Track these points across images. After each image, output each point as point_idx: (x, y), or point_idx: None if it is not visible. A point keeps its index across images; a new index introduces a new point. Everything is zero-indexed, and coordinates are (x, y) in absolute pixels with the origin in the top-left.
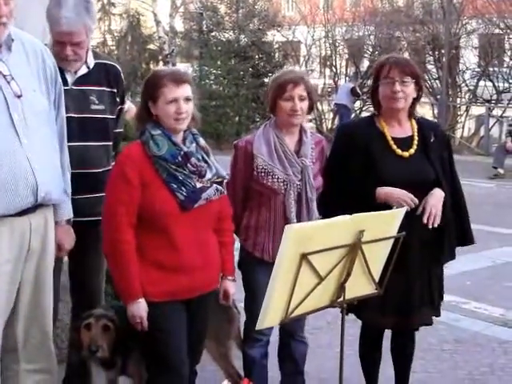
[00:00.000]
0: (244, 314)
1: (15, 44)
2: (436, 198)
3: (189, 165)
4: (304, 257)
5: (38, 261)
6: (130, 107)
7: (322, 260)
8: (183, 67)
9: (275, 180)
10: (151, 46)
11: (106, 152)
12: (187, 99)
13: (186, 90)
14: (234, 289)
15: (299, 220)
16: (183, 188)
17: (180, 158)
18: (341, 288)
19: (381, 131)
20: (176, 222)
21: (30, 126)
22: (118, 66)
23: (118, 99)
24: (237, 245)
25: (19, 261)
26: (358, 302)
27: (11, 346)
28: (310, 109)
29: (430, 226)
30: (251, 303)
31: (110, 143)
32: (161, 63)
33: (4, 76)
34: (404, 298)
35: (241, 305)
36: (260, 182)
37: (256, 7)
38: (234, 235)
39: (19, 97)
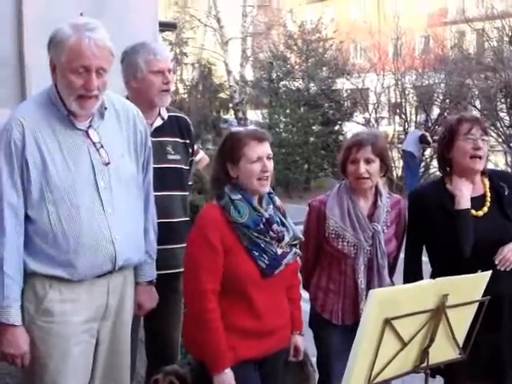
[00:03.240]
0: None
1: (108, 110)
2: None
3: (270, 232)
4: (388, 322)
5: (114, 319)
6: (203, 157)
7: (406, 325)
8: (253, 116)
9: (345, 243)
10: (222, 95)
11: (182, 202)
12: (269, 158)
13: (268, 148)
14: (304, 343)
15: (369, 286)
16: (265, 255)
17: (262, 226)
18: (424, 353)
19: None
20: (256, 287)
21: (115, 194)
22: (187, 119)
23: (190, 150)
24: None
25: (96, 320)
26: (445, 366)
27: None
28: (384, 170)
29: (502, 269)
30: (322, 364)
31: (187, 193)
32: (231, 111)
33: (94, 143)
34: (495, 361)
35: (313, 359)
36: (331, 243)
37: (325, 56)
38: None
39: (107, 164)
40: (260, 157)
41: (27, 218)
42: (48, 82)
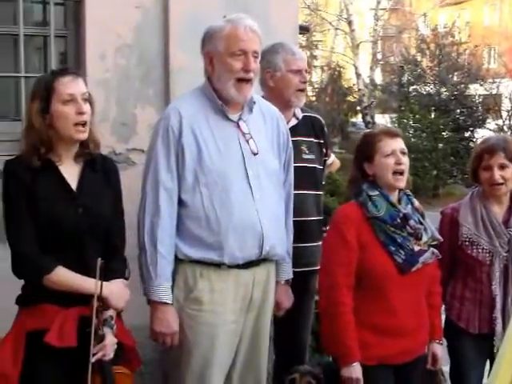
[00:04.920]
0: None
1: (255, 106)
2: None
3: (407, 227)
4: None
5: (258, 312)
6: (335, 161)
7: None
8: (381, 120)
9: (480, 250)
10: (350, 98)
11: (316, 202)
12: (403, 152)
13: (401, 143)
14: (442, 353)
15: (505, 293)
16: (401, 251)
17: (399, 220)
18: None
19: None
20: (393, 284)
21: (262, 184)
22: (321, 119)
23: (324, 150)
24: None
25: (241, 311)
26: None
27: None
28: None
29: None
30: (458, 373)
31: (321, 193)
32: (359, 115)
33: (244, 134)
34: None
35: (444, 369)
36: (465, 251)
37: (459, 60)
38: None
39: (255, 154)
40: (394, 150)
41: (180, 201)
42: (190, 83)
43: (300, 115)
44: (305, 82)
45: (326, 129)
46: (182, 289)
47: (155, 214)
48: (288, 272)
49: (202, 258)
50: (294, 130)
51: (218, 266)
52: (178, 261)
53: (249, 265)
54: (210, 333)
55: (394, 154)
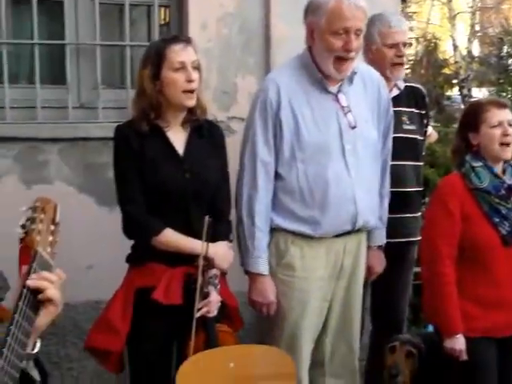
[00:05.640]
0: None
1: (356, 76)
2: None
3: None
4: None
5: (348, 280)
6: (432, 133)
7: None
8: (478, 93)
9: None
10: (446, 71)
11: (416, 173)
12: (510, 124)
13: (509, 114)
14: None
15: None
16: (506, 222)
17: (503, 191)
18: None
19: None
20: (497, 256)
21: (359, 157)
22: (423, 89)
23: (425, 121)
24: None
25: (332, 279)
26: None
27: (319, 360)
28: None
29: None
30: None
31: (421, 164)
32: (455, 88)
33: (342, 107)
34: None
35: None
36: None
37: None
38: None
39: (353, 128)
40: (501, 122)
41: (276, 175)
42: (290, 53)
43: (402, 85)
44: (401, 56)
45: (427, 99)
46: (273, 254)
47: (252, 187)
48: (381, 238)
49: (295, 230)
50: (395, 101)
51: (309, 237)
52: (270, 229)
53: (340, 235)
54: (302, 298)
55: (502, 125)
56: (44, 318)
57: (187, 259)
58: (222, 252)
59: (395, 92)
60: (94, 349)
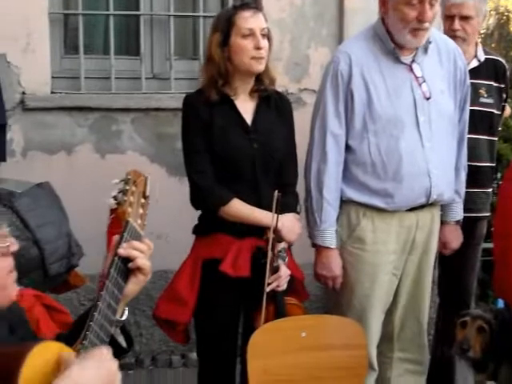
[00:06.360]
0: None
1: (431, 46)
2: None
3: None
4: None
5: (420, 254)
6: (506, 107)
7: None
8: None
9: None
10: None
11: (490, 147)
12: None
13: None
14: None
15: None
16: None
17: None
18: None
19: None
20: None
21: (434, 129)
22: (504, 63)
23: (504, 95)
24: None
25: (403, 253)
26: None
27: (388, 334)
28: None
29: None
30: None
31: (495, 139)
32: None
33: (416, 78)
34: None
35: None
36: None
37: None
38: None
39: (428, 99)
40: None
41: (347, 147)
42: (363, 24)
43: (482, 57)
44: (455, 30)
45: (508, 73)
46: (345, 226)
47: (322, 160)
48: (458, 212)
49: (367, 202)
50: (473, 72)
51: (382, 209)
52: (342, 202)
53: (413, 209)
54: (372, 272)
55: None
56: (133, 286)
57: (255, 231)
58: (289, 224)
59: (474, 63)
60: (161, 319)
